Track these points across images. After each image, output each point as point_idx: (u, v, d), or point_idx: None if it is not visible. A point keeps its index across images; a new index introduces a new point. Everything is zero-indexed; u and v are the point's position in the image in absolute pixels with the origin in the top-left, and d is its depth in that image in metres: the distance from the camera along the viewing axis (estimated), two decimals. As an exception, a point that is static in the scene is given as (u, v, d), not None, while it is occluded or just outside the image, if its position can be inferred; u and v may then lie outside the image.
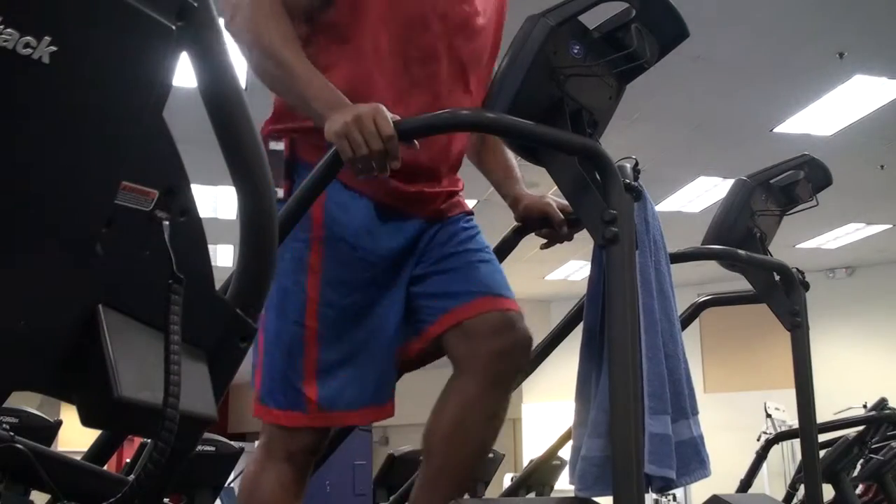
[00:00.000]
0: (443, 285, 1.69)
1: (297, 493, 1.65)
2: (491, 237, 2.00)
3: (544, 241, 1.91)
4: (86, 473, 1.45)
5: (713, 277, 5.10)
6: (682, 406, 1.72)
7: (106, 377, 0.72)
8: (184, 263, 0.78)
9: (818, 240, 9.25)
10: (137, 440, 2.78)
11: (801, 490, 3.46)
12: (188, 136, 1.26)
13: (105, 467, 1.68)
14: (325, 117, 1.46)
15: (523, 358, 1.70)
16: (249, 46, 1.56)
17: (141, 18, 0.70)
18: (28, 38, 0.64)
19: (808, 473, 2.11)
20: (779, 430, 7.91)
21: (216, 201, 7.32)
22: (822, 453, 3.15)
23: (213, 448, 2.85)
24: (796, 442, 2.93)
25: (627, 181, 1.45)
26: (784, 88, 5.76)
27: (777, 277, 2.20)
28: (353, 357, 1.65)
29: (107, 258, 0.75)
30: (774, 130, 6.41)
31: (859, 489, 4.27)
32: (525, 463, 9.31)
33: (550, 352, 2.36)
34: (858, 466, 3.89)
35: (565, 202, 1.73)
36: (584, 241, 1.57)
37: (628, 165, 1.57)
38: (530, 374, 2.46)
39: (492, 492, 4.66)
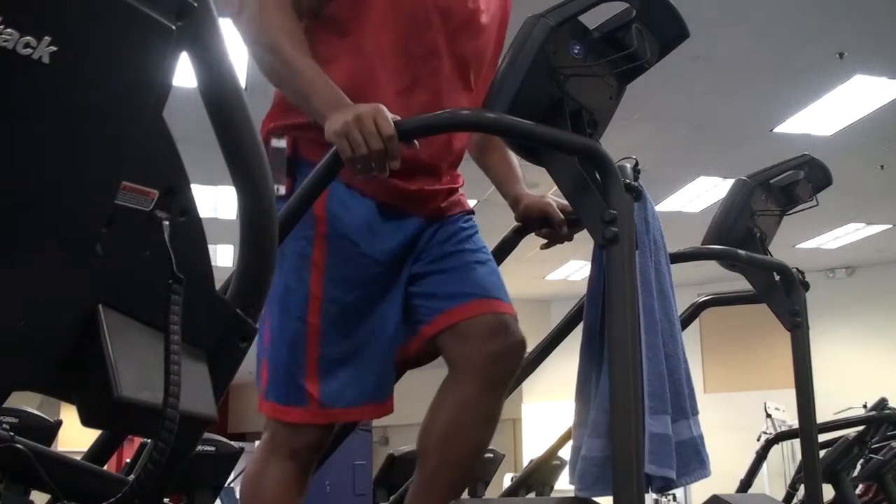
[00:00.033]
0: (439, 285, 1.70)
1: (299, 490, 1.65)
2: (491, 237, 2.00)
3: (544, 241, 1.91)
4: (86, 473, 1.45)
5: (713, 277, 5.10)
6: (682, 406, 1.72)
7: (106, 377, 0.72)
8: (184, 263, 0.78)
9: (818, 240, 9.25)
10: (137, 440, 2.78)
11: (801, 490, 3.46)
12: (188, 136, 1.26)
13: (105, 467, 1.68)
14: (325, 116, 1.46)
15: (517, 361, 1.71)
16: (254, 42, 1.56)
17: (141, 18, 0.70)
18: (28, 38, 0.64)
19: (808, 473, 2.11)
20: (779, 430, 7.91)
21: (216, 201, 7.32)
22: (822, 453, 3.15)
23: (213, 448, 2.85)
24: (796, 442, 2.93)
25: (627, 181, 1.45)
26: (784, 88, 5.76)
27: (777, 277, 2.20)
28: (354, 354, 1.65)
29: (107, 258, 0.75)
30: (774, 130, 6.41)
31: (859, 489, 4.27)
32: (525, 463, 9.31)
33: (550, 352, 2.36)
34: (858, 466, 3.89)
35: (565, 202, 1.73)
36: (584, 241, 1.57)
37: (628, 165, 1.57)
38: (530, 374, 2.46)
39: (492, 492, 4.66)
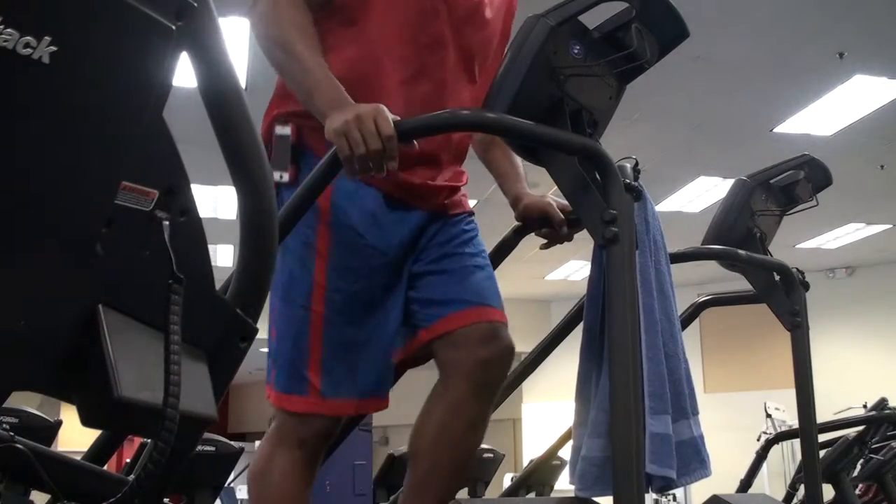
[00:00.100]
0: (438, 289, 1.71)
1: (307, 478, 1.66)
2: (491, 237, 2.00)
3: (544, 241, 1.92)
4: (86, 473, 1.45)
5: (713, 277, 5.10)
6: (683, 406, 1.72)
7: (106, 377, 0.72)
8: (184, 263, 0.78)
9: (818, 240, 9.25)
10: (137, 440, 2.78)
11: (801, 490, 3.46)
12: (188, 136, 1.26)
13: (105, 467, 1.68)
14: (326, 115, 1.47)
15: (506, 367, 1.73)
16: (264, 36, 1.58)
17: (141, 18, 0.70)
18: (28, 38, 0.64)
19: (808, 473, 2.11)
20: (779, 430, 7.91)
21: (216, 201, 7.32)
22: (822, 453, 3.15)
23: (213, 448, 2.85)
24: (796, 442, 2.93)
25: (627, 181, 1.45)
26: (784, 88, 5.76)
27: (777, 277, 2.21)
28: (357, 346, 1.66)
29: (107, 258, 0.75)
30: (774, 130, 6.41)
31: (859, 489, 4.27)
32: (525, 463, 9.31)
33: (550, 352, 2.36)
34: (858, 466, 3.89)
35: (565, 202, 1.73)
36: (584, 241, 1.57)
37: (628, 165, 1.57)
38: (530, 374, 2.46)
39: (492, 492, 4.67)
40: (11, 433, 1.34)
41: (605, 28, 1.50)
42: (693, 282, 7.85)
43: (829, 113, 6.09)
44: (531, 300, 11.54)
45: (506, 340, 1.70)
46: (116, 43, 0.69)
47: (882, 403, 4.08)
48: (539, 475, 4.08)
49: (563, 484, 3.71)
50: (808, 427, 2.10)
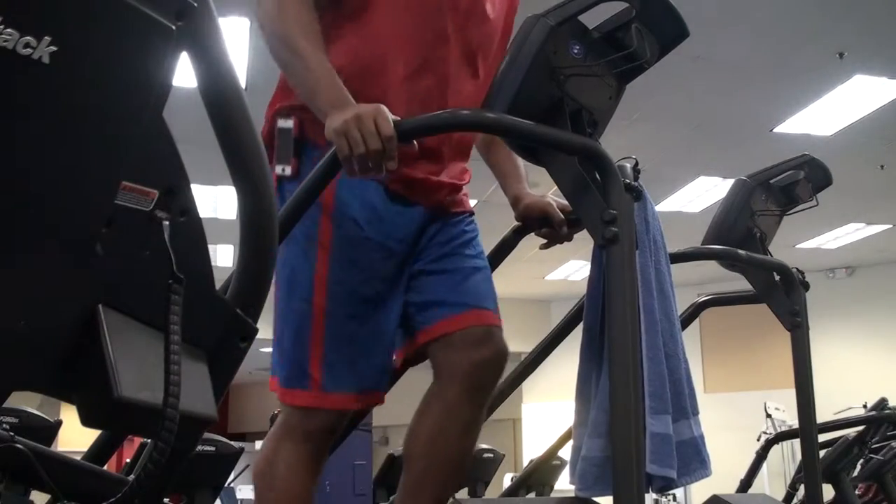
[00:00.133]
0: (434, 291, 1.71)
1: (312, 472, 1.66)
2: (491, 237, 2.00)
3: (544, 241, 1.92)
4: (86, 473, 1.45)
5: (713, 277, 5.10)
6: (683, 406, 1.72)
7: (106, 377, 0.72)
8: (184, 263, 0.78)
9: (818, 240, 9.25)
10: (137, 440, 2.78)
11: (801, 490, 3.46)
12: (188, 136, 1.26)
13: (105, 467, 1.68)
14: (327, 114, 1.48)
15: (500, 370, 1.74)
16: (270, 32, 1.59)
17: (141, 18, 0.70)
18: (28, 38, 0.64)
19: (808, 473, 2.11)
20: (779, 430, 7.91)
21: (216, 201, 7.32)
22: (822, 453, 3.15)
23: (213, 448, 2.85)
24: (796, 442, 2.93)
25: (627, 181, 1.45)
26: (784, 88, 5.76)
27: (777, 277, 2.21)
28: (358, 341, 1.66)
29: (107, 258, 0.75)
30: (774, 130, 6.41)
31: (859, 489, 4.27)
32: (525, 463, 9.31)
33: (550, 352, 2.36)
34: (858, 466, 3.89)
35: (565, 202, 1.73)
36: (584, 241, 1.57)
37: (628, 165, 1.57)
38: (530, 374, 2.46)
39: (492, 492, 4.67)
40: (11, 433, 1.33)
41: (605, 28, 1.50)
42: (693, 282, 7.85)
43: (829, 113, 6.09)
44: (531, 300, 11.53)
45: (500, 344, 1.71)
46: (116, 43, 0.69)
47: (882, 403, 4.08)
48: (539, 475, 4.09)
49: (563, 484, 3.71)
50: (808, 427, 2.10)
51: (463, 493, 3.99)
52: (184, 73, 0.76)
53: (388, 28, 1.64)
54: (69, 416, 1.50)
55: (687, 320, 2.36)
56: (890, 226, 8.93)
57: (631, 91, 1.62)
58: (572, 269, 10.27)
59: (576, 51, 1.47)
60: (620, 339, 1.37)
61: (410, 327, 1.73)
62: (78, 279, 0.74)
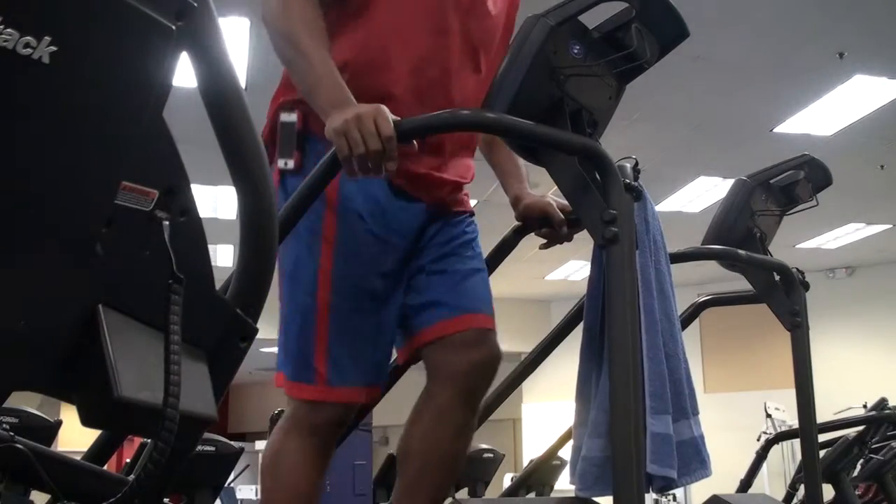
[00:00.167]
0: (432, 292, 1.72)
1: (320, 465, 1.66)
2: (491, 237, 2.00)
3: (544, 241, 1.92)
4: (86, 473, 1.45)
5: (713, 277, 5.10)
6: (683, 406, 1.72)
7: (106, 377, 0.72)
8: (184, 263, 0.78)
9: (818, 240, 9.25)
10: (137, 440, 2.78)
11: (801, 490, 3.46)
12: (188, 136, 1.26)
13: (105, 467, 1.68)
14: (327, 113, 1.48)
15: (492, 373, 1.75)
16: (274, 30, 1.59)
17: (141, 18, 0.70)
18: (28, 38, 0.64)
19: (808, 473, 2.11)
20: (779, 430, 7.91)
21: (216, 201, 7.32)
22: (822, 453, 3.15)
23: (213, 448, 2.85)
24: (796, 442, 2.93)
25: (627, 181, 1.45)
26: (784, 88, 5.76)
27: (777, 277, 2.21)
28: (362, 335, 1.67)
29: (107, 258, 0.75)
30: (774, 130, 6.41)
31: (859, 489, 4.27)
32: (525, 463, 9.31)
33: (550, 352, 2.36)
34: (858, 466, 3.89)
35: (565, 202, 1.73)
36: (584, 241, 1.57)
37: (628, 165, 1.57)
38: (530, 374, 2.46)
39: (492, 492, 4.67)
40: (11, 433, 1.33)
41: (605, 28, 1.50)
42: (693, 282, 7.85)
43: (829, 113, 6.09)
44: (531, 300, 11.53)
45: (493, 348, 1.73)
46: (116, 43, 0.69)
47: (882, 403, 4.08)
48: (539, 475, 4.09)
49: (563, 484, 3.71)
50: (808, 427, 2.10)
51: (463, 493, 3.99)
52: (184, 73, 0.76)
53: (391, 23, 1.65)
54: (69, 416, 1.50)
55: (687, 320, 2.36)
56: (890, 226, 8.93)
57: (631, 91, 1.62)
58: (572, 269, 10.27)
59: (576, 51, 1.47)
60: (620, 339, 1.37)
61: (408, 328, 1.74)
62: (78, 279, 0.74)
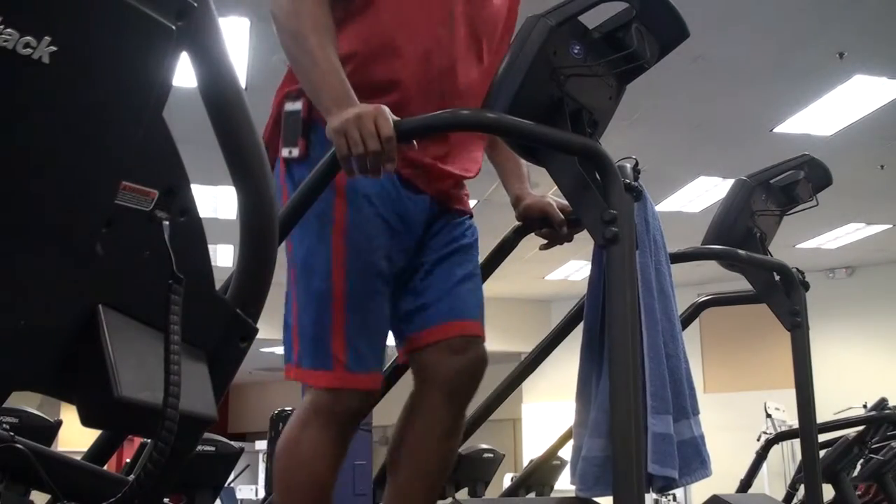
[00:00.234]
0: (426, 295, 1.73)
1: (338, 455, 1.66)
2: (491, 237, 2.00)
3: (544, 241, 1.92)
4: (86, 473, 1.45)
5: (713, 277, 5.10)
6: (683, 406, 1.72)
7: (106, 377, 0.72)
8: (184, 263, 0.78)
9: (818, 240, 9.25)
10: (137, 440, 2.78)
11: (801, 490, 3.46)
12: (188, 136, 1.26)
13: (105, 467, 1.68)
14: (329, 112, 1.48)
15: (478, 377, 1.75)
16: (281, 28, 1.60)
17: (141, 18, 0.70)
18: (28, 38, 0.64)
19: (808, 473, 2.11)
20: (779, 430, 7.91)
21: (216, 201, 7.31)
22: (822, 453, 3.15)
23: (213, 448, 2.84)
24: (796, 442, 2.93)
25: (627, 181, 1.45)
26: (784, 88, 5.76)
27: (777, 277, 2.21)
28: (376, 319, 1.67)
29: (107, 258, 0.75)
30: (774, 130, 6.41)
31: (859, 489, 4.27)
32: (525, 463, 9.30)
33: (550, 352, 2.36)
34: (858, 466, 3.89)
35: (566, 202, 1.73)
36: (584, 241, 1.57)
37: (628, 165, 1.57)
38: (530, 374, 2.46)
39: (492, 492, 4.66)
40: (11, 433, 1.33)
41: (605, 28, 1.50)
42: (693, 282, 7.85)
43: (829, 113, 6.09)
44: (531, 300, 11.53)
45: (480, 353, 1.74)
46: (116, 43, 0.69)
47: (882, 403, 4.08)
48: (539, 475, 4.08)
49: (563, 484, 3.71)
50: (808, 427, 2.10)
51: (463, 493, 3.99)
52: (184, 73, 0.76)
53: (398, 14, 1.65)
54: (69, 416, 1.50)
55: (687, 320, 2.36)
56: (890, 226, 8.93)
57: (631, 91, 1.62)
58: (572, 269, 10.27)
59: (576, 51, 1.48)
60: (620, 339, 1.37)
61: (401, 331, 1.75)
62: (78, 279, 0.74)
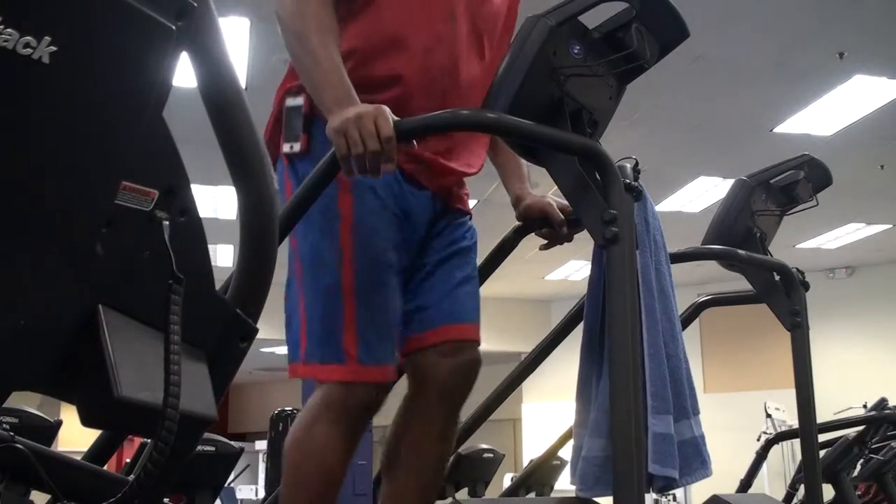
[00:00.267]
0: (425, 297, 1.73)
1: (348, 449, 1.65)
2: (491, 237, 2.00)
3: (544, 241, 1.92)
4: (86, 473, 1.45)
5: (713, 277, 5.10)
6: (684, 406, 1.72)
7: (106, 377, 0.72)
8: (184, 263, 0.78)
9: (818, 240, 9.25)
10: (137, 440, 2.78)
11: (801, 490, 3.46)
12: (188, 136, 1.26)
13: (105, 467, 1.68)
14: (330, 112, 1.49)
15: (472, 379, 1.76)
16: (285, 27, 1.60)
17: (141, 18, 0.70)
18: (28, 38, 0.64)
19: (808, 473, 2.11)
20: (779, 430, 7.91)
21: (216, 201, 7.32)
22: (822, 453, 3.15)
23: (213, 448, 2.84)
24: (796, 442, 2.93)
25: (627, 181, 1.45)
26: (784, 88, 5.76)
27: (777, 277, 2.21)
28: (384, 312, 1.66)
29: (107, 258, 0.75)
30: (774, 130, 6.41)
31: (859, 489, 4.27)
32: (525, 463, 9.31)
33: (550, 352, 2.36)
34: (858, 466, 3.89)
35: (566, 202, 1.73)
36: (584, 241, 1.57)
37: (628, 165, 1.57)
38: (530, 374, 2.46)
39: (492, 492, 4.66)
40: (11, 433, 1.33)
41: (605, 28, 1.50)
42: (693, 282, 7.85)
43: (829, 113, 6.09)
44: (531, 300, 11.53)
45: (475, 356, 1.74)
46: (116, 43, 0.69)
47: (882, 403, 4.08)
48: (539, 475, 4.08)
49: (564, 484, 3.71)
50: (808, 427, 2.10)
51: (463, 493, 3.99)
52: (184, 73, 0.76)
53: (401, 11, 1.66)
54: (69, 416, 1.50)
55: (687, 320, 2.36)
56: (890, 226, 8.93)
57: (631, 91, 1.62)
58: (572, 269, 10.27)
59: (576, 51, 1.48)
60: (621, 339, 1.37)
61: (403, 332, 1.74)
62: (78, 279, 0.74)
